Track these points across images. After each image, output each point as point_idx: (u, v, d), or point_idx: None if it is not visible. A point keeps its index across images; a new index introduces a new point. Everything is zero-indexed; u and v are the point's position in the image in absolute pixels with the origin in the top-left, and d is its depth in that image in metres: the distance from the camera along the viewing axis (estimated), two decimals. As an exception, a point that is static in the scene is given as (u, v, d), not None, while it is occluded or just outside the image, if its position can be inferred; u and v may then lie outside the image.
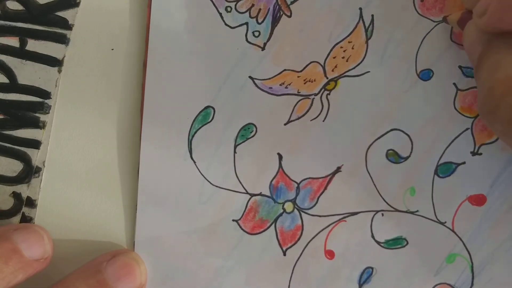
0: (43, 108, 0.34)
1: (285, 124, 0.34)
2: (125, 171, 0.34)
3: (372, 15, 0.33)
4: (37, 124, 0.34)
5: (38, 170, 0.34)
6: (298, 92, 0.34)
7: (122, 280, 0.33)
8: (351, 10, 0.33)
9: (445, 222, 0.35)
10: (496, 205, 0.35)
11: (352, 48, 0.34)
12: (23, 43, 0.33)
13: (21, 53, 0.33)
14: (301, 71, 0.34)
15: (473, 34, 0.29)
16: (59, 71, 0.34)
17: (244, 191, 0.34)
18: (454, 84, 0.34)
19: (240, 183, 0.34)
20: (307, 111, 0.34)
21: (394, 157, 0.34)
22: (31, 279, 0.32)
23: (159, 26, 0.33)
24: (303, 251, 0.35)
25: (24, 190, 0.34)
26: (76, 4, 0.33)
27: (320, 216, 0.35)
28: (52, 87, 0.34)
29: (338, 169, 0.35)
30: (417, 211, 0.35)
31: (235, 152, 0.34)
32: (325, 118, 0.34)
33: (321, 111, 0.34)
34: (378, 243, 0.35)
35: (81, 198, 0.34)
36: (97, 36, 0.33)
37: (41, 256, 0.32)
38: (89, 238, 0.35)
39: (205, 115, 0.34)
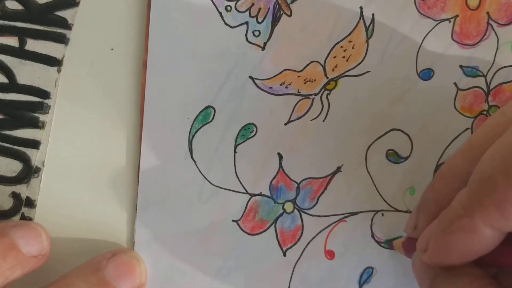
0: (43, 108, 0.33)
1: (285, 124, 0.34)
2: (125, 171, 0.34)
3: (373, 14, 0.33)
4: (36, 124, 0.34)
5: (37, 170, 0.34)
6: (298, 92, 0.34)
7: (122, 278, 0.33)
8: (351, 9, 0.33)
9: (445, 222, 0.35)
10: (496, 204, 0.35)
11: (353, 48, 0.34)
12: (22, 42, 0.33)
13: (21, 53, 0.33)
14: (301, 71, 0.34)
15: (420, 266, 0.29)
16: (59, 71, 0.33)
17: (244, 191, 0.34)
18: (455, 83, 0.34)
19: (240, 183, 0.34)
20: (307, 111, 0.34)
21: (394, 157, 0.34)
22: (31, 277, 0.32)
23: (159, 26, 0.33)
24: (303, 251, 0.35)
25: (23, 190, 0.34)
26: (76, 4, 0.33)
27: (320, 216, 0.35)
28: (52, 87, 0.33)
29: (338, 169, 0.34)
30: (417, 211, 0.35)
31: (235, 152, 0.34)
32: (325, 118, 0.34)
33: (321, 111, 0.34)
34: (378, 243, 0.35)
35: (80, 198, 0.34)
36: (97, 36, 0.33)
37: (39, 252, 0.32)
38: (89, 238, 0.35)
39: (206, 115, 0.34)
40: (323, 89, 0.34)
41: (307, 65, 0.34)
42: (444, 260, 0.27)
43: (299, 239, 0.35)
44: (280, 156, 0.34)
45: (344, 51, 0.34)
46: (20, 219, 0.34)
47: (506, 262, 0.27)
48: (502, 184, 0.24)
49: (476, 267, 0.27)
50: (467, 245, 0.26)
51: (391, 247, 0.34)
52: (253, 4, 0.33)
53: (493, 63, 0.34)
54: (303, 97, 0.34)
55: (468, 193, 0.26)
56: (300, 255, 0.35)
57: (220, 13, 0.33)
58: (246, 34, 0.33)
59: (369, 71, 0.34)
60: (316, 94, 0.34)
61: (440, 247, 0.27)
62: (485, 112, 0.34)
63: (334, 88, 0.34)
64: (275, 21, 0.33)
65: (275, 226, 0.35)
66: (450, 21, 0.34)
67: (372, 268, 0.35)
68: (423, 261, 0.28)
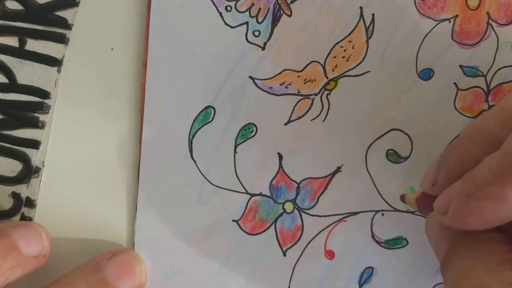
0: (43, 108, 0.34)
1: (285, 124, 0.34)
2: (125, 171, 0.34)
3: (373, 14, 0.33)
4: (36, 124, 0.34)
5: (37, 170, 0.34)
6: (298, 92, 0.34)
7: (122, 278, 0.33)
8: (351, 9, 0.33)
9: (445, 222, 0.35)
10: (496, 204, 0.35)
11: (353, 48, 0.34)
12: (22, 42, 0.33)
13: (21, 53, 0.33)
14: (301, 71, 0.34)
15: (436, 227, 0.29)
16: (59, 71, 0.33)
17: (244, 191, 0.34)
18: (455, 83, 0.34)
19: (240, 183, 0.34)
20: (307, 111, 0.34)
21: (394, 157, 0.34)
22: (32, 277, 0.32)
23: (159, 26, 0.33)
24: (303, 251, 0.35)
25: (23, 190, 0.34)
26: (76, 4, 0.33)
27: (320, 216, 0.35)
28: (52, 87, 0.33)
29: (338, 169, 0.34)
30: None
31: (235, 152, 0.34)
32: (325, 118, 0.34)
33: (321, 111, 0.34)
34: (378, 243, 0.35)
35: (80, 198, 0.34)
36: (97, 36, 0.33)
37: (39, 253, 0.33)
38: (89, 238, 0.35)
39: (206, 115, 0.34)
40: (323, 89, 0.34)
41: (307, 65, 0.34)
42: (465, 226, 0.26)
43: (299, 239, 0.35)
44: (280, 156, 0.34)
45: (344, 51, 0.34)
46: (20, 219, 0.34)
47: None
48: None
49: (498, 232, 0.26)
50: (493, 213, 0.25)
51: (402, 200, 0.33)
52: (253, 4, 0.33)
53: (493, 63, 0.34)
54: (303, 97, 0.34)
55: (500, 160, 0.25)
56: (300, 255, 0.35)
57: (220, 13, 0.33)
58: (246, 34, 0.33)
59: (369, 71, 0.34)
60: (316, 94, 0.34)
61: (463, 212, 0.26)
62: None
63: (334, 88, 0.34)
64: (275, 21, 0.33)
65: (275, 226, 0.35)
66: (450, 21, 0.34)
67: (372, 268, 0.35)
68: (442, 222, 0.27)
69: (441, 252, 0.28)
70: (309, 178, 0.34)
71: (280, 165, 0.34)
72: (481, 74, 0.34)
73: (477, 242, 0.26)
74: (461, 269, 0.26)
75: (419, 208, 0.32)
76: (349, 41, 0.34)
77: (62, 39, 0.33)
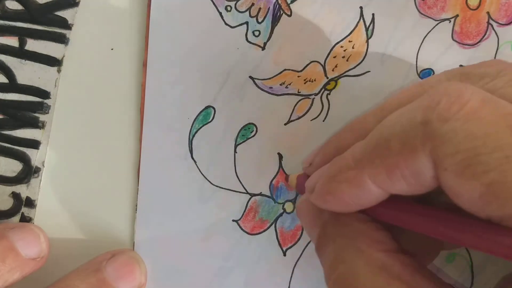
0: (43, 108, 0.33)
1: (285, 124, 0.34)
2: (125, 171, 0.34)
3: (373, 14, 0.33)
4: (36, 124, 0.34)
5: (37, 170, 0.34)
6: (298, 92, 0.34)
7: (122, 279, 0.33)
8: (351, 9, 0.33)
9: (445, 222, 0.35)
10: (497, 204, 0.35)
11: (353, 48, 0.34)
12: (22, 42, 0.33)
13: (21, 53, 0.33)
14: (301, 70, 0.34)
15: (307, 210, 0.30)
16: (59, 71, 0.33)
17: (244, 191, 0.34)
18: (455, 83, 0.34)
19: (240, 183, 0.34)
20: (307, 111, 0.34)
21: (394, 157, 0.34)
22: (31, 277, 0.32)
23: (159, 26, 0.33)
24: (303, 251, 0.35)
25: (23, 190, 0.34)
26: (76, 4, 0.33)
27: (320, 216, 0.35)
28: (52, 87, 0.33)
29: (338, 169, 0.34)
30: (418, 211, 0.35)
31: (235, 152, 0.34)
32: (325, 118, 0.34)
33: (321, 111, 0.34)
34: (378, 243, 0.35)
35: (80, 198, 0.34)
36: (97, 36, 0.33)
37: (38, 255, 0.32)
38: (88, 238, 0.35)
39: (206, 115, 0.34)
40: (323, 89, 0.34)
41: (307, 65, 0.34)
42: (327, 205, 0.27)
43: (299, 239, 0.35)
44: (280, 156, 0.34)
45: (344, 51, 0.34)
46: (20, 219, 0.34)
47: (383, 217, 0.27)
48: (396, 150, 0.24)
49: (365, 214, 0.27)
50: (351, 197, 0.26)
51: (286, 179, 0.34)
52: (253, 4, 0.33)
53: (493, 63, 0.34)
54: (303, 97, 0.34)
55: (363, 148, 0.26)
56: (300, 255, 0.35)
57: (220, 13, 0.33)
58: (246, 34, 0.33)
59: (369, 71, 0.34)
60: (316, 94, 0.34)
61: (325, 192, 0.27)
62: (485, 112, 0.34)
63: (334, 88, 0.34)
64: (275, 21, 0.33)
65: (275, 226, 0.35)
66: (450, 21, 0.34)
67: (372, 268, 0.35)
68: (311, 200, 0.28)
69: (314, 237, 0.29)
70: (309, 178, 0.34)
71: (280, 165, 0.34)
72: (481, 74, 0.34)
73: (346, 225, 0.27)
74: (334, 254, 0.27)
75: (296, 186, 0.32)
76: (349, 41, 0.34)
77: (62, 39, 0.33)
